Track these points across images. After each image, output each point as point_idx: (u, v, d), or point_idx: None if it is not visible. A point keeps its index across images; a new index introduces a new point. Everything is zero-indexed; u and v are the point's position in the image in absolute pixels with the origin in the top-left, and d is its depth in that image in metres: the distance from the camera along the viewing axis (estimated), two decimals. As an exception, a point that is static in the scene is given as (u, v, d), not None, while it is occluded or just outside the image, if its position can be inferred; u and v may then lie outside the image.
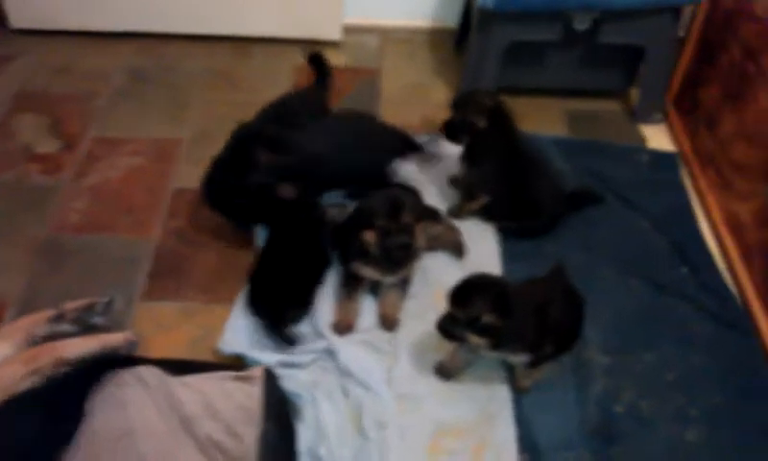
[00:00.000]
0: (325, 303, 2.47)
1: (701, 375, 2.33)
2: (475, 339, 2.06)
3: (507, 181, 2.68)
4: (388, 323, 2.42)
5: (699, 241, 2.76)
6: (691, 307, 2.51)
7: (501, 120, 2.64)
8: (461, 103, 2.68)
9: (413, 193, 2.71)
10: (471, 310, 2.03)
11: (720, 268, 2.67)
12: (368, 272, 2.39)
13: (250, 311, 2.43)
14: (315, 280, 2.50)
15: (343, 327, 2.38)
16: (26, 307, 2.42)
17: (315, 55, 3.32)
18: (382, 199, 2.33)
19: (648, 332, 2.44)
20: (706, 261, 2.68)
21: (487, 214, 2.77)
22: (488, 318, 2.01)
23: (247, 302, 2.45)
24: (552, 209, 2.73)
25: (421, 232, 2.36)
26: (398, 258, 2.33)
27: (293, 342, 2.35)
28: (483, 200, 2.73)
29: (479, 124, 2.61)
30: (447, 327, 2.10)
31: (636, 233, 2.78)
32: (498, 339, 2.06)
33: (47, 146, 3.05)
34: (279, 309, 2.40)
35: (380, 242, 2.28)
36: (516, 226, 2.74)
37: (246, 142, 2.57)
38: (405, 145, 2.95)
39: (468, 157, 2.71)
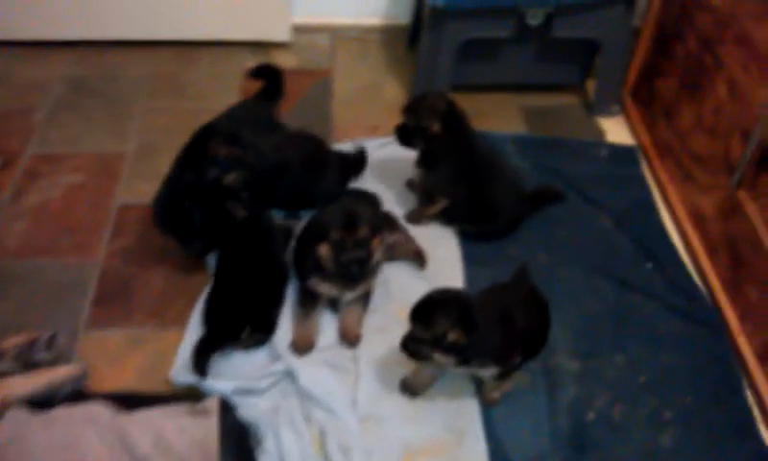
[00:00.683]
0: (283, 322, 2.36)
1: (672, 375, 2.28)
2: (442, 358, 1.98)
3: (465, 184, 2.60)
4: (349, 339, 2.33)
5: (663, 236, 2.72)
6: (658, 305, 2.46)
7: (455, 123, 2.56)
8: (413, 107, 2.59)
9: (371, 201, 2.62)
10: (436, 329, 1.94)
11: (686, 263, 2.63)
12: (325, 288, 2.29)
13: (203, 331, 2.31)
14: (276, 300, 2.40)
15: (302, 346, 2.28)
16: (-38, 343, 2.27)
17: (265, 67, 3.15)
18: (337, 211, 2.22)
19: (616, 334, 2.38)
20: (671, 257, 2.63)
21: (446, 218, 2.70)
22: (453, 335, 1.93)
23: (202, 322, 2.34)
24: (512, 211, 2.66)
25: (379, 246, 2.25)
26: (355, 274, 2.23)
27: (204, 372, 2.20)
28: (441, 204, 2.65)
29: (433, 128, 2.52)
30: (412, 346, 2.01)
31: (598, 231, 2.73)
32: (465, 355, 1.97)
33: (-18, 166, 2.89)
34: (237, 330, 2.28)
35: (335, 257, 2.18)
36: (477, 229, 2.67)
37: (204, 138, 2.43)
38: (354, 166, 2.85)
39: (424, 162, 2.62)
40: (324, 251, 2.18)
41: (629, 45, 3.15)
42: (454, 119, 2.56)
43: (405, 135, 2.61)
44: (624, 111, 3.27)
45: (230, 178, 2.38)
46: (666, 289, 2.51)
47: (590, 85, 3.34)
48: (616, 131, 3.21)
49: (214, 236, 2.49)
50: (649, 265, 2.59)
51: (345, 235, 2.15)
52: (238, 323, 2.28)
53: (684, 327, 2.40)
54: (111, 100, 3.22)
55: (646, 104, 3.14)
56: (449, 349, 1.95)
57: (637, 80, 3.22)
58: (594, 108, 3.28)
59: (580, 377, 2.26)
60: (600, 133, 3.20)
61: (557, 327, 2.28)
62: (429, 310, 1.97)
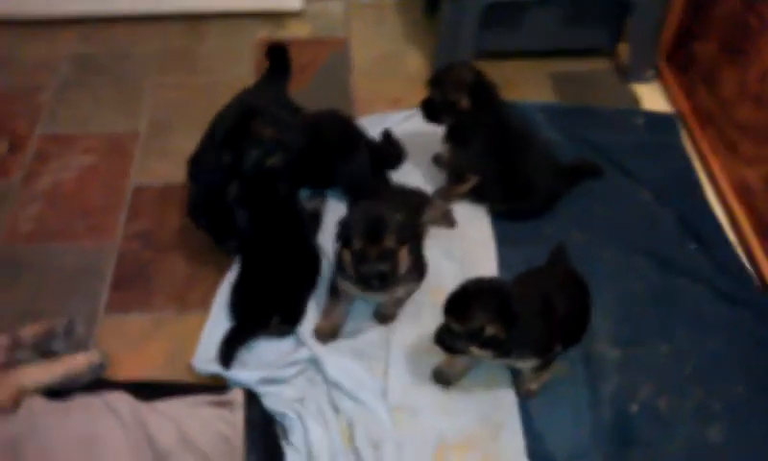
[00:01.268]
0: (310, 306, 2.26)
1: (720, 364, 2.15)
2: (479, 352, 1.87)
3: (497, 160, 2.46)
4: (381, 318, 2.23)
5: (707, 212, 2.56)
6: (704, 288, 2.32)
7: (485, 95, 2.41)
8: (438, 80, 2.44)
9: (408, 201, 2.38)
10: (472, 323, 1.82)
11: (732, 242, 2.48)
12: (350, 289, 2.13)
13: (230, 317, 2.22)
14: (306, 289, 2.28)
15: (325, 333, 2.17)
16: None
17: (276, 47, 2.86)
18: (363, 215, 2.03)
19: (660, 319, 2.25)
20: (716, 235, 2.48)
21: (477, 196, 2.56)
22: (491, 329, 1.81)
23: (229, 311, 2.24)
24: (547, 188, 2.52)
25: (406, 257, 2.04)
26: (375, 287, 2.03)
27: (230, 364, 2.11)
28: (472, 182, 2.52)
29: (461, 103, 2.38)
30: (447, 340, 1.90)
31: (637, 206, 2.58)
32: (502, 350, 1.86)
33: (-9, 148, 2.78)
34: (265, 316, 2.19)
35: (355, 266, 2.00)
36: (510, 208, 2.53)
37: (245, 118, 2.33)
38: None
39: (452, 138, 2.48)
40: (345, 256, 2.03)
41: (663, 5, 2.96)
42: (483, 91, 2.41)
43: (431, 111, 2.46)
44: (660, 77, 3.10)
45: (274, 159, 2.29)
46: (712, 270, 2.36)
47: (623, 49, 3.17)
48: (652, 98, 3.05)
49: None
50: (693, 245, 2.45)
51: (367, 245, 1.97)
52: (267, 311, 2.19)
53: (731, 313, 2.26)
54: (121, 77, 3.09)
55: (683, 69, 2.97)
56: (487, 343, 1.84)
57: (673, 43, 3.04)
58: (628, 73, 3.11)
59: (622, 366, 2.14)
60: (635, 101, 3.04)
61: (596, 312, 2.15)
62: (465, 303, 1.85)
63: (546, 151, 2.58)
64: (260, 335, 2.18)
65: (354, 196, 2.47)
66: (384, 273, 1.97)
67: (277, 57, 2.79)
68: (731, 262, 2.40)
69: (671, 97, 3.00)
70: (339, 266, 2.10)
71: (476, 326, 1.82)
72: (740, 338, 2.20)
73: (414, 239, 2.14)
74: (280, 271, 2.23)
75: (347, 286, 2.11)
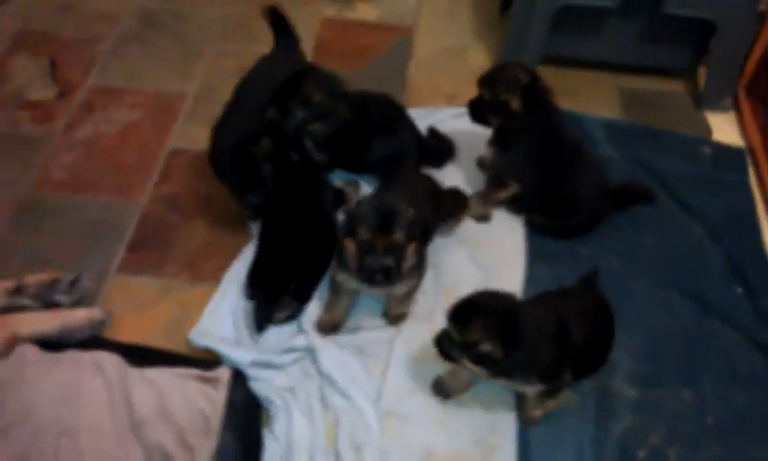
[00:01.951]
0: (314, 298, 2.18)
1: (745, 421, 1.97)
2: (471, 366, 1.75)
3: (542, 170, 2.32)
4: (390, 319, 2.14)
5: (760, 257, 2.37)
6: (741, 337, 2.14)
7: (538, 99, 2.27)
8: (490, 79, 2.31)
9: (431, 194, 2.27)
10: (469, 335, 1.72)
11: (781, 292, 2.28)
12: (349, 283, 2.03)
13: (246, 287, 2.17)
14: (322, 264, 2.20)
15: (326, 326, 2.09)
16: (-7, 269, 2.22)
17: (272, 9, 2.74)
18: (374, 205, 1.92)
19: (687, 363, 2.08)
20: (765, 283, 2.28)
21: (516, 206, 2.43)
22: (487, 347, 1.71)
23: (247, 278, 2.19)
24: (592, 207, 2.36)
25: (412, 254, 1.94)
26: (378, 281, 1.92)
27: (262, 326, 2.09)
28: (512, 189, 2.39)
29: (512, 105, 2.25)
30: (444, 345, 1.81)
31: (687, 241, 2.40)
32: (500, 369, 1.74)
33: (42, 92, 2.81)
34: (282, 283, 2.14)
35: (360, 258, 1.89)
36: (549, 222, 2.39)
37: (299, 77, 2.29)
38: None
39: (498, 142, 2.36)
40: (350, 246, 1.92)
41: (751, 31, 2.75)
42: (537, 95, 2.28)
43: (478, 111, 2.35)
44: (736, 107, 2.89)
45: (318, 126, 2.24)
46: (754, 319, 2.18)
47: (701, 74, 2.97)
48: (725, 128, 2.84)
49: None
50: (739, 290, 2.26)
51: (375, 237, 1.86)
52: (284, 279, 2.14)
53: (766, 368, 2.08)
54: (180, 37, 3.08)
55: (763, 101, 2.75)
56: (480, 359, 1.73)
57: (756, 73, 2.82)
58: (703, 99, 2.90)
59: (637, 407, 1.98)
60: (706, 130, 2.84)
61: (619, 346, 2.02)
62: (468, 313, 1.75)
63: (597, 168, 2.42)
64: (270, 315, 2.12)
65: (386, 182, 2.36)
66: (389, 268, 1.87)
67: (276, 20, 2.72)
68: (776, 314, 2.20)
69: (745, 130, 2.79)
70: (339, 257, 2.00)
71: (472, 339, 1.71)
72: (771, 396, 2.02)
73: (423, 237, 2.03)
74: (298, 240, 2.17)
75: (344, 278, 2.01)
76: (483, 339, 1.70)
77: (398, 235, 1.87)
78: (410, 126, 2.54)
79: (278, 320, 2.12)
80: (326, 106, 2.27)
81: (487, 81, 2.33)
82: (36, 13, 3.15)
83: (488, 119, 2.35)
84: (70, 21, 3.13)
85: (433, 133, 2.63)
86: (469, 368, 1.77)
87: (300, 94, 2.24)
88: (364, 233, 1.87)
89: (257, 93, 2.35)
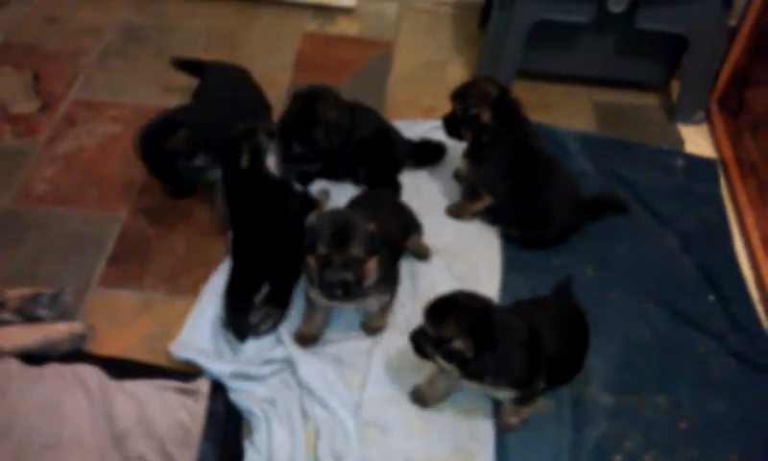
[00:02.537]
0: (292, 311, 2.20)
1: (719, 425, 2.01)
2: (443, 363, 1.79)
3: (514, 182, 2.36)
4: (369, 331, 2.16)
5: (732, 266, 2.42)
6: (715, 344, 2.18)
7: (508, 112, 2.32)
8: (462, 94, 2.36)
9: (392, 210, 2.29)
10: (443, 330, 1.75)
11: (753, 299, 2.32)
12: (317, 297, 2.04)
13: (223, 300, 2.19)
14: (294, 267, 2.22)
15: (304, 338, 2.11)
16: (-27, 284, 2.22)
17: (175, 61, 2.86)
18: (330, 221, 1.93)
19: (662, 370, 2.12)
20: (737, 290, 2.33)
21: (490, 218, 2.47)
22: (459, 344, 1.74)
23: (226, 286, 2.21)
24: (566, 219, 2.40)
25: (374, 268, 1.93)
26: (338, 296, 1.93)
27: (245, 335, 2.11)
28: (486, 202, 2.43)
29: (483, 117, 2.29)
30: (419, 341, 1.84)
31: (660, 251, 2.45)
32: (470, 369, 1.77)
33: (24, 105, 2.82)
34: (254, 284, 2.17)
35: (319, 273, 1.91)
36: (523, 234, 2.43)
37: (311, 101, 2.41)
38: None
39: (471, 155, 2.40)
40: (310, 262, 1.93)
41: (721, 46, 2.81)
42: (507, 108, 2.33)
43: (452, 125, 2.40)
44: (709, 120, 2.95)
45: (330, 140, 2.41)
46: (726, 327, 2.22)
47: (674, 87, 3.03)
48: (697, 141, 2.89)
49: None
50: (711, 297, 2.30)
51: (331, 252, 1.88)
52: (256, 279, 2.17)
53: (740, 373, 2.12)
54: (162, 51, 3.10)
55: (734, 114, 2.82)
56: (452, 356, 1.76)
57: (727, 86, 2.89)
58: (676, 112, 2.96)
59: (612, 414, 2.01)
60: (678, 142, 2.89)
61: (595, 354, 2.06)
62: (444, 309, 1.79)
63: (569, 179, 2.45)
64: (247, 326, 2.14)
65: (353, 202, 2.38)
66: (347, 282, 1.88)
67: (186, 66, 2.86)
68: (747, 320, 2.25)
69: (716, 142, 2.85)
70: (308, 274, 2.01)
71: (445, 334, 1.75)
72: (744, 401, 2.06)
73: (391, 252, 2.06)
74: (266, 246, 2.20)
75: (315, 294, 2.02)
76: (456, 335, 1.73)
77: (355, 249, 1.87)
78: (395, 133, 2.62)
79: (263, 331, 2.14)
80: (338, 123, 2.40)
81: (459, 95, 2.38)
82: (20, 26, 3.17)
83: (461, 133, 2.39)
84: (54, 34, 3.15)
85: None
86: (441, 365, 1.80)
87: (316, 117, 2.37)
88: (321, 249, 1.88)
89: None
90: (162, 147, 2.32)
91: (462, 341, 1.73)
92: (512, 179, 2.36)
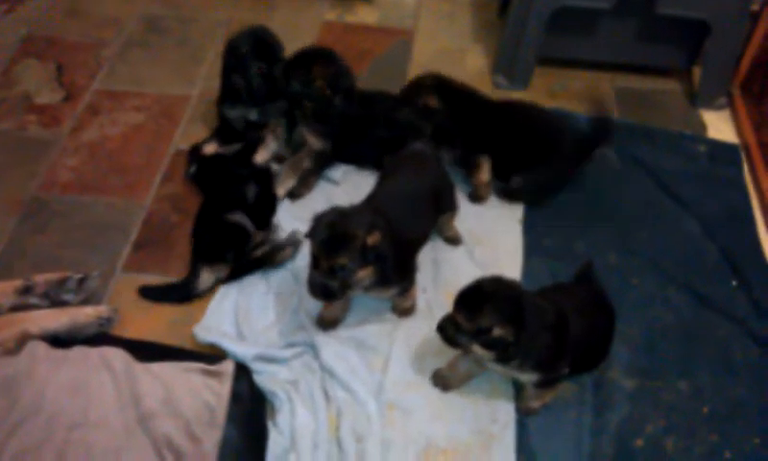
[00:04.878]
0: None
1: (741, 410, 2.00)
2: (481, 352, 1.79)
3: (499, 135, 2.49)
4: (399, 313, 2.18)
5: (755, 251, 2.40)
6: (737, 329, 2.17)
7: (452, 91, 2.50)
8: (405, 98, 2.53)
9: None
10: (482, 321, 1.74)
11: (776, 284, 2.31)
12: None
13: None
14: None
15: (326, 322, 2.12)
16: (1, 270, 2.27)
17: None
18: (328, 223, 1.87)
19: (684, 355, 2.11)
20: (760, 275, 2.31)
21: (500, 176, 2.52)
22: (499, 331, 1.74)
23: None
24: (566, 148, 2.48)
25: (368, 275, 1.90)
26: (317, 296, 1.91)
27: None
28: (486, 163, 2.50)
29: (430, 102, 2.46)
30: (449, 331, 1.83)
31: (682, 236, 2.44)
32: (508, 354, 1.78)
33: (48, 96, 2.86)
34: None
35: (309, 269, 1.91)
36: (533, 179, 2.47)
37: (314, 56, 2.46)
38: None
39: (437, 140, 2.49)
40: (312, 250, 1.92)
41: (744, 31, 2.79)
42: (448, 87, 2.50)
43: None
44: (731, 106, 2.92)
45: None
46: (749, 312, 2.21)
47: (696, 73, 3.00)
48: (720, 126, 2.87)
49: None
50: (734, 283, 2.29)
51: (321, 256, 1.86)
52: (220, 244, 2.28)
53: (762, 358, 2.11)
54: (184, 41, 3.13)
55: (757, 99, 2.79)
56: (492, 344, 1.76)
57: (750, 71, 2.86)
58: (698, 98, 2.94)
59: (634, 398, 2.02)
60: (701, 127, 2.87)
61: (617, 339, 2.06)
62: (478, 299, 1.77)
63: (556, 118, 2.60)
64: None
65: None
66: (330, 290, 1.87)
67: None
68: (770, 305, 2.24)
69: (739, 127, 2.83)
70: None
71: (485, 324, 1.74)
72: (766, 386, 2.05)
73: (412, 243, 2.10)
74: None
75: None
76: (494, 324, 1.73)
77: (344, 260, 1.83)
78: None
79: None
80: (326, 96, 2.41)
81: (404, 101, 2.52)
82: (42, 19, 3.20)
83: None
84: (76, 26, 3.18)
85: None
86: (478, 353, 1.80)
87: (309, 71, 2.40)
88: (314, 247, 1.88)
89: None
90: None
91: (501, 329, 1.73)
92: (494, 134, 2.48)
